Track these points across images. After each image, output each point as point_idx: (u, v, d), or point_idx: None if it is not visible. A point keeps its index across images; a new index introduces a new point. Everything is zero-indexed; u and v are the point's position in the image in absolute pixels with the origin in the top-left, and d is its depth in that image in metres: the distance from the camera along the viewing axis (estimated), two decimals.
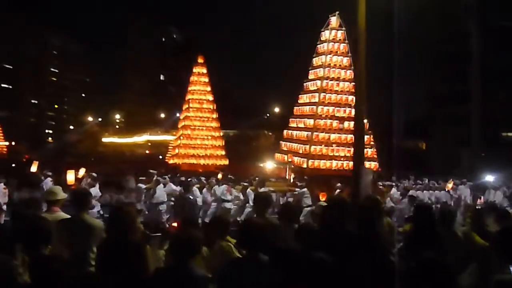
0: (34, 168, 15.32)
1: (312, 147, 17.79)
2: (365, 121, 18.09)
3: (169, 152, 32.59)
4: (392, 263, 4.38)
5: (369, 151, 17.64)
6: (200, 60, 29.38)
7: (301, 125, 19.35)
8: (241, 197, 13.15)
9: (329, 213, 4.39)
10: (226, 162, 28.10)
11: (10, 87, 77.27)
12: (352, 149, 17.76)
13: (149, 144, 62.90)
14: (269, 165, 32.20)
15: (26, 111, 78.84)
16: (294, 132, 19.85)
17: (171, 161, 28.27)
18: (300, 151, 18.66)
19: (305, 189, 13.36)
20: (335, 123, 18.16)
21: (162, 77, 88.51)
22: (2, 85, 76.53)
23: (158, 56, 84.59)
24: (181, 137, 28.31)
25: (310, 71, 19.76)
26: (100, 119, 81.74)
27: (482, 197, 14.60)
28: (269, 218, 5.11)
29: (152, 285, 3.49)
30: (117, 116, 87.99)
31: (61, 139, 67.57)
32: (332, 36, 19.06)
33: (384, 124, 39.97)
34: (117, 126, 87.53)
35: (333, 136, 18.07)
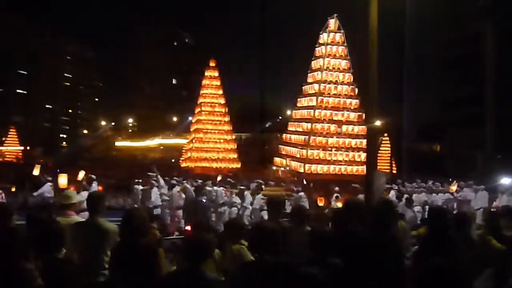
0: (36, 171, 15.29)
1: (309, 151, 17.51)
2: (364, 127, 18.01)
3: (182, 156, 32.72)
4: (406, 267, 4.34)
5: (362, 155, 17.37)
6: (212, 64, 29.47)
7: (299, 129, 19.14)
8: (238, 200, 13.00)
9: (343, 217, 4.36)
10: (239, 165, 28.10)
11: (25, 92, 78.30)
12: (350, 153, 17.66)
13: (162, 147, 63.20)
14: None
15: (40, 116, 79.82)
16: (293, 136, 19.67)
17: (183, 165, 28.35)
18: (298, 155, 18.43)
19: (301, 194, 13.11)
20: (333, 127, 17.86)
21: (174, 81, 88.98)
22: (17, 90, 77.58)
23: (170, 60, 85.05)
24: (194, 141, 28.39)
25: (308, 74, 19.58)
26: (113, 124, 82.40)
27: (496, 200, 14.36)
28: (282, 222, 5.10)
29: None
30: (130, 120, 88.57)
31: (75, 143, 68.26)
32: (330, 38, 18.83)
33: (398, 127, 39.76)
34: (130, 130, 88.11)
35: (331, 140, 17.76)
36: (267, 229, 3.86)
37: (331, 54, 18.82)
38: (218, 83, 29.18)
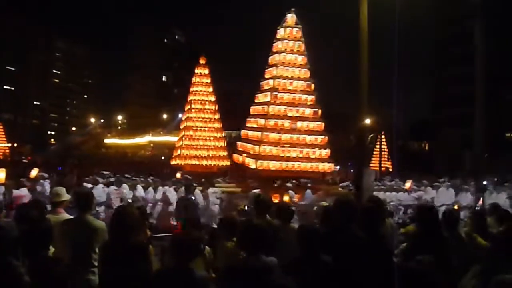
0: (34, 172, 15.11)
1: (262, 147, 17.41)
2: (322, 123, 18.00)
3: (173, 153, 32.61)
4: (395, 265, 4.38)
5: (323, 152, 17.38)
6: (202, 61, 29.35)
7: (255, 125, 19.03)
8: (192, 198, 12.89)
9: (332, 215, 4.39)
10: (228, 163, 28.07)
11: (13, 89, 77.48)
12: (305, 150, 17.62)
13: (152, 145, 62.95)
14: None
15: (29, 113, 79.07)
16: (249, 132, 19.57)
17: (173, 162, 28.26)
18: (251, 152, 18.35)
19: (257, 191, 12.99)
20: (287, 123, 17.76)
21: (164, 78, 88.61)
22: (5, 87, 76.73)
23: (161, 57, 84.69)
24: (183, 138, 28.29)
25: (266, 70, 19.45)
26: (102, 121, 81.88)
27: (481, 198, 14.50)
28: (270, 220, 5.12)
29: (153, 287, 3.49)
30: (120, 118, 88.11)
31: (64, 140, 67.76)
32: (287, 33, 18.74)
33: (388, 126, 39.97)
34: (119, 128, 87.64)
35: (285, 136, 17.66)
36: (256, 227, 3.87)
37: (287, 49, 18.72)
38: (208, 80, 29.08)
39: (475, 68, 9.67)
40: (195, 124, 28.06)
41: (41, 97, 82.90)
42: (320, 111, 18.36)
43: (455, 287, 3.82)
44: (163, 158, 44.01)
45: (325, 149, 17.56)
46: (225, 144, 28.84)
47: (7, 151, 46.23)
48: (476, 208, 8.86)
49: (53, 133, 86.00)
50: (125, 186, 13.21)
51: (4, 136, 48.80)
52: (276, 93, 17.96)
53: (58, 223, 4.64)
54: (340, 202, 4.48)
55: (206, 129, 28.25)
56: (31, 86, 77.82)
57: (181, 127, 30.10)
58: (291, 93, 18.01)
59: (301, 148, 17.17)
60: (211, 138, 28.14)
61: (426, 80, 55.79)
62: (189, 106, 29.03)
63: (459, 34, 43.10)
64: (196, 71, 29.35)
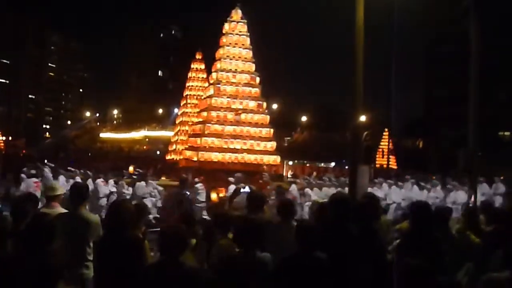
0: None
1: (204, 139, 17.44)
2: (267, 116, 18.02)
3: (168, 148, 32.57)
4: (388, 261, 4.41)
5: (268, 145, 17.47)
6: (198, 56, 29.31)
7: (200, 119, 19.09)
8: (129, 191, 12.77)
9: (328, 211, 4.41)
10: None
11: (8, 82, 77.03)
12: (249, 142, 17.69)
13: (147, 140, 62.79)
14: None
15: (24, 106, 78.65)
16: (195, 126, 19.65)
17: (168, 157, 28.23)
18: (194, 145, 18.38)
19: (198, 185, 12.88)
20: (230, 115, 17.79)
21: (160, 73, 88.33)
22: (0, 80, 76.29)
23: (157, 52, 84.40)
24: (179, 133, 28.26)
25: (214, 64, 19.55)
26: (98, 115, 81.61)
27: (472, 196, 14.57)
28: (264, 216, 5.15)
29: (143, 280, 3.48)
30: (115, 112, 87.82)
31: (59, 134, 67.50)
32: (232, 28, 18.83)
33: (381, 123, 40.01)
34: (115, 122, 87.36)
35: (228, 129, 17.68)
36: (251, 223, 3.89)
37: (231, 43, 18.83)
38: (204, 75, 29.05)
39: (469, 67, 9.70)
40: (191, 119, 28.01)
41: (36, 91, 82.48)
42: (265, 104, 18.49)
43: (449, 285, 3.85)
44: (158, 153, 43.94)
45: (270, 141, 17.64)
46: None
47: (2, 144, 46.04)
48: (470, 206, 8.90)
49: (48, 127, 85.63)
50: (61, 178, 13.03)
51: None
52: (219, 85, 18.05)
53: (51, 217, 4.63)
54: (334, 198, 4.49)
55: None
56: (26, 80, 77.40)
57: (177, 122, 30.07)
58: (234, 86, 18.09)
59: (245, 140, 17.19)
60: None
61: (420, 78, 56.01)
62: (185, 101, 28.99)
63: (452, 33, 43.26)
64: (192, 66, 29.30)
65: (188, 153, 18.19)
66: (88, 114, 77.87)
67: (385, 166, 35.06)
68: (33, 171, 12.96)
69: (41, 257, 3.29)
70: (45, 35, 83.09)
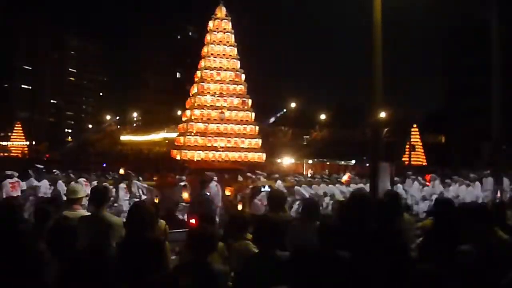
0: None
1: (187, 137, 17.29)
2: (252, 113, 17.74)
3: None
4: (412, 260, 4.33)
5: (252, 142, 17.26)
6: None
7: (185, 118, 19.00)
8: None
9: (349, 209, 4.35)
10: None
11: (30, 87, 78.51)
12: (233, 139, 17.50)
13: (166, 141, 63.21)
14: (286, 160, 32.13)
15: (45, 111, 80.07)
16: (180, 125, 19.48)
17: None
18: (177, 143, 18.28)
19: (182, 183, 12.72)
20: (214, 113, 17.61)
21: (178, 75, 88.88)
22: (23, 86, 77.79)
23: (174, 54, 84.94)
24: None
25: (199, 62, 19.37)
26: (118, 118, 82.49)
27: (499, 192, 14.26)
28: (284, 215, 5.13)
29: (172, 282, 3.49)
30: (135, 114, 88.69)
31: (80, 138, 68.47)
32: (216, 25, 18.65)
33: (403, 118, 39.52)
34: (135, 124, 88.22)
35: (212, 126, 17.51)
36: (271, 222, 3.88)
37: (215, 40, 18.66)
38: None
39: (491, 58, 9.49)
40: None
41: (57, 95, 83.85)
42: (250, 101, 18.30)
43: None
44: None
45: (254, 139, 17.48)
46: None
47: (26, 149, 46.93)
48: (497, 201, 8.70)
49: (69, 130, 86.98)
50: (45, 181, 13.13)
51: (22, 134, 49.55)
52: (203, 84, 17.96)
53: (74, 220, 4.67)
54: (354, 196, 4.44)
55: None
56: (47, 85, 78.75)
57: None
58: (219, 84, 17.98)
59: (229, 138, 17.09)
60: None
61: (441, 71, 55.09)
62: None
63: (474, 22, 42.46)
64: None
65: (175, 152, 18.13)
66: (108, 117, 78.82)
67: (413, 163, 34.33)
68: (8, 172, 12.98)
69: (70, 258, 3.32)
70: (64, 40, 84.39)
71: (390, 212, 4.39)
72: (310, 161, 36.87)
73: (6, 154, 46.61)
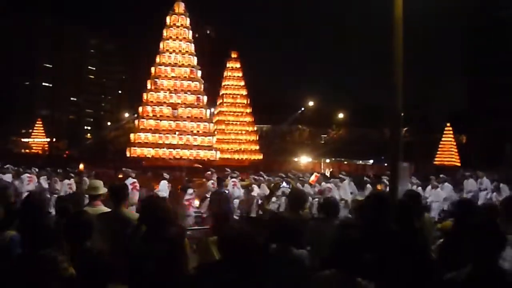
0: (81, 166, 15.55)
1: (137, 134, 16.95)
2: (206, 110, 17.27)
3: None
4: (432, 261, 4.27)
5: (206, 140, 16.87)
6: (234, 55, 29.48)
7: (136, 114, 18.79)
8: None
9: (368, 210, 4.32)
10: (260, 156, 28.12)
11: (51, 85, 79.74)
12: (185, 137, 17.07)
13: None
14: (303, 159, 32.08)
15: (65, 108, 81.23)
16: (135, 122, 19.21)
17: None
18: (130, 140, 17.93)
19: (132, 180, 12.62)
20: (166, 110, 17.16)
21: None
22: (44, 83, 79.06)
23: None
24: (215, 132, 28.53)
25: (155, 58, 18.97)
26: (136, 115, 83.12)
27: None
28: (303, 214, 5.13)
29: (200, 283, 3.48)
30: None
31: (99, 135, 69.30)
32: (173, 21, 18.24)
33: (422, 117, 39.04)
34: None
35: (164, 123, 17.07)
36: (286, 220, 3.88)
37: (172, 36, 18.24)
38: (240, 74, 29.18)
39: None
40: (227, 118, 28.22)
41: (77, 93, 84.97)
42: (205, 98, 17.91)
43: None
44: None
45: (208, 136, 17.09)
46: (257, 138, 28.89)
47: (46, 146, 47.68)
48: None
49: (88, 128, 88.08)
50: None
51: (43, 131, 50.35)
52: (157, 80, 17.65)
53: (95, 216, 4.72)
54: (372, 196, 4.40)
55: (238, 123, 28.37)
56: (68, 83, 79.88)
57: (213, 121, 30.38)
58: (173, 80, 17.58)
59: (181, 135, 16.73)
60: (243, 132, 28.24)
61: (463, 70, 54.22)
62: (221, 100, 29.22)
63: (498, 21, 41.72)
64: (227, 65, 29.49)
65: (136, 150, 17.90)
66: (126, 114, 79.55)
67: (446, 163, 33.40)
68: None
69: (83, 254, 3.35)
70: (83, 38, 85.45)
71: (409, 212, 4.33)
72: (328, 160, 36.73)
73: (27, 150, 47.43)
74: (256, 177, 15.29)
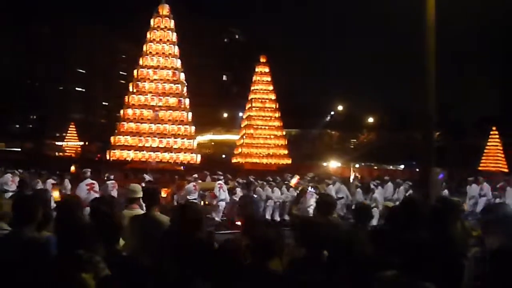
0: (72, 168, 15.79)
1: (117, 137, 16.69)
2: (188, 113, 16.80)
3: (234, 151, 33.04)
4: (465, 270, 4.16)
5: (186, 142, 16.49)
6: (263, 60, 29.53)
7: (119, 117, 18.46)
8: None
9: (400, 215, 4.25)
10: (289, 161, 28.06)
11: (84, 90, 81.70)
12: (165, 140, 16.67)
13: (213, 143, 64.08)
14: (332, 164, 31.83)
15: (97, 112, 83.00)
16: (115, 125, 18.98)
17: (234, 160, 28.64)
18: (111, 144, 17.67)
19: (110, 182, 12.49)
20: (146, 112, 16.83)
21: (224, 78, 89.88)
22: (77, 88, 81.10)
23: (221, 56, 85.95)
24: (244, 137, 28.58)
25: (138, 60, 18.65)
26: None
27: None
28: (333, 219, 5.09)
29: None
30: None
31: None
32: (156, 23, 17.87)
33: (454, 121, 38.16)
34: None
35: (144, 126, 16.73)
36: (317, 226, 3.85)
37: (155, 38, 17.91)
38: (269, 78, 29.21)
39: None
40: (256, 122, 28.29)
41: (108, 97, 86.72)
42: (187, 101, 17.60)
43: None
44: (224, 156, 44.67)
45: (189, 139, 16.81)
46: (286, 143, 28.84)
47: (79, 149, 48.83)
48: None
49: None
50: None
51: (76, 135, 51.59)
52: (138, 82, 17.45)
53: (119, 217, 4.82)
54: (404, 202, 4.33)
55: (267, 127, 28.40)
56: (99, 87, 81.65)
57: (242, 125, 30.46)
58: (155, 83, 17.33)
59: (162, 138, 16.49)
60: (272, 137, 28.24)
61: (495, 73, 52.83)
62: (249, 105, 29.31)
63: None
64: (256, 69, 29.57)
65: (115, 153, 17.82)
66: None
67: (491, 169, 31.98)
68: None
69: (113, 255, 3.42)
70: (114, 43, 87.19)
71: (443, 219, 4.24)
72: (357, 165, 36.34)
73: (60, 153, 48.69)
74: (240, 180, 15.41)
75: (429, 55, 6.42)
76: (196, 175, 16.84)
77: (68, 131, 52.92)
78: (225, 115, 70.77)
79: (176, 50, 18.08)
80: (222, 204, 12.94)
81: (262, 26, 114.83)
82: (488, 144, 35.27)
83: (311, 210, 11.14)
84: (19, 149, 47.71)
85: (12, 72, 64.49)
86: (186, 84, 18.07)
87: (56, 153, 48.90)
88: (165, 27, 18.09)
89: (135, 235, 4.78)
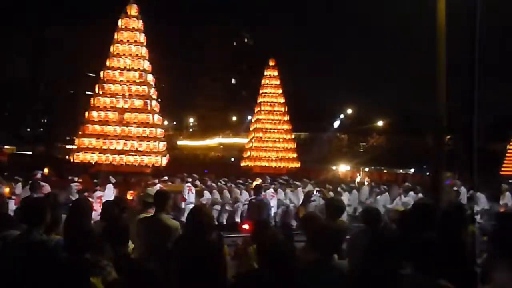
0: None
1: (81, 139, 16.64)
2: (155, 115, 16.85)
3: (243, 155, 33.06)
4: (476, 274, 4.11)
5: (151, 145, 16.41)
6: (272, 63, 29.49)
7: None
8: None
9: (410, 220, 4.21)
10: (298, 164, 27.99)
11: (92, 93, 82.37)
12: (129, 142, 16.56)
13: (221, 147, 64.21)
14: (342, 168, 31.72)
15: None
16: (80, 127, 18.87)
17: (243, 164, 28.63)
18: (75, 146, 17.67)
19: (74, 184, 12.24)
20: (111, 115, 16.81)
21: (233, 81, 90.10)
22: (86, 92, 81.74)
23: (230, 60, 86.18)
24: (253, 140, 28.56)
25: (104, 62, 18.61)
26: (174, 123, 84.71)
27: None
28: (342, 223, 5.07)
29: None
30: (191, 120, 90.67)
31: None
32: (124, 24, 17.76)
33: (464, 125, 37.79)
34: (191, 130, 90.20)
35: (108, 128, 16.71)
36: (330, 230, 3.82)
37: (123, 39, 17.83)
38: (278, 82, 29.17)
39: None
40: (265, 125, 28.22)
41: (76, 100, 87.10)
42: (153, 103, 17.49)
43: None
44: (232, 159, 44.72)
45: (155, 142, 16.75)
46: (295, 146, 28.75)
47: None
48: None
49: None
50: None
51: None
52: (104, 84, 17.42)
53: (126, 221, 4.83)
54: (416, 206, 4.29)
55: (276, 131, 28.33)
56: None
57: (251, 128, 30.43)
58: (121, 84, 17.31)
59: (126, 140, 16.43)
60: (281, 140, 28.18)
61: (503, 77, 52.28)
62: (258, 108, 29.28)
63: None
64: (265, 73, 29.54)
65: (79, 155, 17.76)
66: (166, 123, 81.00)
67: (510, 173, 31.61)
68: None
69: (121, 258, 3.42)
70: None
71: (453, 224, 4.19)
72: (367, 169, 36.14)
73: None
74: (208, 183, 15.38)
75: (440, 57, 6.38)
76: (166, 177, 16.90)
77: (79, 135, 53.32)
78: (234, 118, 70.94)
79: (144, 51, 18.12)
80: (189, 208, 12.94)
81: (271, 29, 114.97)
82: (510, 147, 34.55)
83: None
84: (30, 152, 48.08)
85: (23, 75, 65.27)
86: (153, 86, 18.11)
87: (67, 157, 49.21)
88: (133, 27, 18.09)
89: (141, 237, 4.79)
